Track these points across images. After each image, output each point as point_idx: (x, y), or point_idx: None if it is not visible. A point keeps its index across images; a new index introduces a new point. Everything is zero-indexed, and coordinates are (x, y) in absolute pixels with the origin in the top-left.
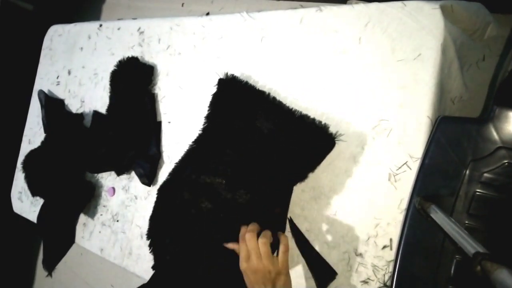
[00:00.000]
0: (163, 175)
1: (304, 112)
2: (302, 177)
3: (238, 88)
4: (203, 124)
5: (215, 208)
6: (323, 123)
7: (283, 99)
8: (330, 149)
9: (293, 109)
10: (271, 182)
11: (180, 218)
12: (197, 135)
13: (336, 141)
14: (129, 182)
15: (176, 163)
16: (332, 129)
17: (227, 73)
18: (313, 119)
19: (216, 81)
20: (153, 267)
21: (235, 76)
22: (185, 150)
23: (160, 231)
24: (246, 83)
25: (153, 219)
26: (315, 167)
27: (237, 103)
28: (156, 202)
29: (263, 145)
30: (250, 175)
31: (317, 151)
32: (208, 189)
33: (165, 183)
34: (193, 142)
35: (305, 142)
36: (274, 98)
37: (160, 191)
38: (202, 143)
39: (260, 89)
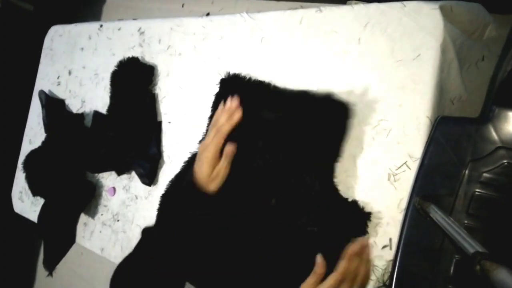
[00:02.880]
0: (163, 175)
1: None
2: (336, 151)
3: (239, 83)
4: (208, 125)
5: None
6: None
7: None
8: (347, 115)
9: (296, 90)
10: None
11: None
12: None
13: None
14: (129, 182)
15: (183, 164)
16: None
17: (229, 73)
18: (318, 92)
19: (217, 81)
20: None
21: (236, 74)
22: (191, 153)
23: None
24: (250, 78)
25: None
26: (343, 136)
27: (240, 98)
28: (161, 210)
29: (272, 132)
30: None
31: (334, 118)
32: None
33: (169, 190)
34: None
35: (317, 113)
36: (275, 86)
37: (165, 196)
38: None
39: (260, 79)
